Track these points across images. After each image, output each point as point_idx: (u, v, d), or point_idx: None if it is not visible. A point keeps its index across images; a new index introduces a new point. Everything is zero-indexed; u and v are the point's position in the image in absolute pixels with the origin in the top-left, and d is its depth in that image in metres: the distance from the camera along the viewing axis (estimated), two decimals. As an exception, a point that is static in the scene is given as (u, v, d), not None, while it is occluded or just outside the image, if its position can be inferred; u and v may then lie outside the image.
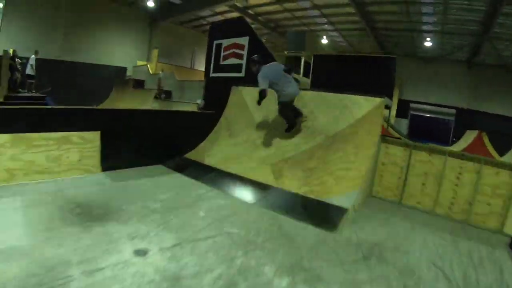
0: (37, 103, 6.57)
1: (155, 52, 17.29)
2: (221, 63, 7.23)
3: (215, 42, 7.42)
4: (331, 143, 4.64)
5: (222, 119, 6.48)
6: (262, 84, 4.48)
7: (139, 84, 15.31)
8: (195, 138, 6.17)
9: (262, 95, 4.48)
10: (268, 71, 4.63)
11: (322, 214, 3.55)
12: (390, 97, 6.60)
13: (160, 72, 14.47)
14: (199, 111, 6.80)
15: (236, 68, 6.76)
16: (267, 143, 5.29)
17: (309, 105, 5.12)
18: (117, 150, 4.95)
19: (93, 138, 4.77)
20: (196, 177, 4.73)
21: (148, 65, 16.51)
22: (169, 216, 3.26)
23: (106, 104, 14.17)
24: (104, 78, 15.65)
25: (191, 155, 5.86)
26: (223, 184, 4.42)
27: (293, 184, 4.16)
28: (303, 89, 5.31)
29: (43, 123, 4.36)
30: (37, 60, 10.31)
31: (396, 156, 4.56)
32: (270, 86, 4.61)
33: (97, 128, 4.78)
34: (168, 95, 14.05)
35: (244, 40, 6.70)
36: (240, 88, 6.30)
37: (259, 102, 4.57)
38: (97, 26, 16.33)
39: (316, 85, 6.31)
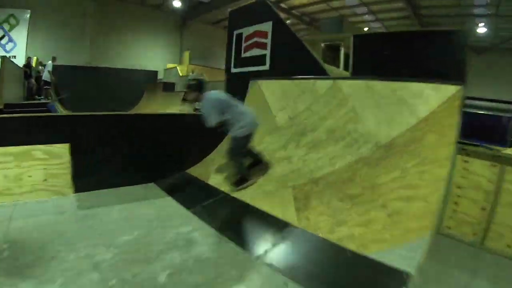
0: (36, 111, 5.95)
1: (186, 54, 16.95)
2: (243, 55, 6.15)
3: (235, 32, 6.39)
4: (382, 156, 3.16)
5: None
6: (212, 117, 3.52)
7: (169, 87, 14.91)
8: (203, 148, 5.06)
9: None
10: (214, 98, 3.62)
11: (366, 284, 2.12)
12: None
13: (190, 74, 13.93)
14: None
15: (259, 60, 5.64)
16: (291, 155, 3.96)
17: (349, 100, 3.65)
18: (94, 166, 4.14)
19: (61, 152, 3.92)
20: (189, 203, 3.61)
21: (178, 67, 16.11)
22: (111, 279, 2.11)
23: (137, 109, 13.97)
24: (135, 82, 15.56)
25: (195, 170, 4.78)
26: (221, 218, 3.23)
27: (323, 222, 2.78)
28: (343, 78, 3.89)
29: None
30: (54, 66, 10.19)
31: (479, 175, 3.10)
32: (221, 118, 3.60)
33: (66, 140, 3.95)
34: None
35: (266, 26, 5.59)
36: (260, 81, 5.07)
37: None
38: (126, 30, 16.50)
39: (359, 72, 4.80)
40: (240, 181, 3.75)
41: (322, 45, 9.78)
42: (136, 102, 14.38)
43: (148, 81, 15.95)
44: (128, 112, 5.76)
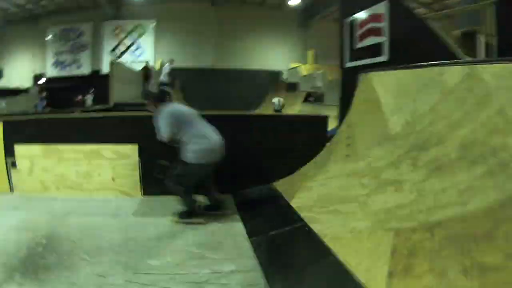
0: (139, 109, 6.63)
1: (310, 53, 16.69)
2: (357, 46, 5.31)
3: (347, 20, 5.60)
4: None
5: (342, 128, 4.45)
6: (165, 130, 3.21)
7: (292, 87, 15.22)
8: (300, 157, 4.40)
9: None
10: (172, 110, 3.33)
11: None
12: None
13: (312, 73, 13.67)
14: (295, 114, 4.96)
15: (375, 49, 4.70)
16: (402, 179, 2.87)
17: (495, 96, 2.33)
18: (165, 169, 4.00)
19: (130, 152, 4.04)
20: (255, 228, 3.13)
21: (302, 67, 16.05)
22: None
23: (261, 109, 14.60)
24: (259, 83, 16.38)
25: (281, 184, 4.20)
26: (283, 259, 2.53)
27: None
28: (486, 61, 2.62)
29: (75, 134, 4.16)
30: (171, 68, 11.56)
31: None
32: (174, 134, 3.25)
33: (135, 140, 4.03)
34: (319, 97, 13.03)
35: (381, 7, 4.62)
36: (371, 74, 4.11)
37: (162, 171, 3.38)
38: (248, 32, 17.42)
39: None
40: (186, 214, 3.35)
41: (455, 33, 7.66)
42: (260, 103, 15.29)
43: (272, 81, 16.72)
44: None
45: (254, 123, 4.61)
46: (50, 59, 14.91)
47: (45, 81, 12.56)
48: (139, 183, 4.01)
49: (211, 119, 4.78)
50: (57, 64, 14.91)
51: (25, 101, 11.01)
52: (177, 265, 2.45)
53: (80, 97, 11.80)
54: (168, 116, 3.21)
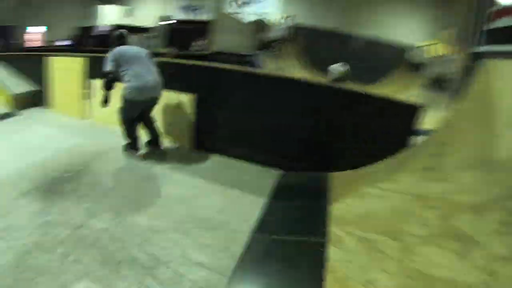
0: (236, 61, 6.53)
1: (447, 33, 13.80)
2: (490, 27, 4.06)
3: None
4: None
5: (437, 128, 3.29)
6: (108, 65, 3.46)
7: (417, 67, 13.24)
8: (371, 149, 3.53)
9: (106, 82, 3.47)
10: (119, 50, 3.52)
11: None
12: None
13: (444, 56, 11.40)
14: (377, 94, 3.75)
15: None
16: (481, 240, 1.85)
17: None
18: (217, 127, 3.86)
19: (186, 101, 3.88)
20: (266, 225, 2.56)
21: (432, 46, 13.48)
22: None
23: (379, 87, 13.30)
24: (384, 56, 14.82)
25: (337, 178, 3.46)
26: (258, 279, 1.99)
27: None
28: None
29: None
30: (293, 24, 11.17)
31: None
32: (117, 72, 3.48)
33: (192, 90, 3.86)
34: (445, 85, 10.74)
35: None
36: (495, 63, 2.84)
37: (104, 100, 3.54)
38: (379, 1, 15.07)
39: None
40: (130, 147, 3.72)
41: None
42: (380, 78, 13.98)
43: (398, 57, 14.77)
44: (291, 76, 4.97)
45: (327, 95, 3.71)
46: (179, 3, 15.83)
47: (171, 23, 13.57)
48: (190, 135, 3.87)
49: (288, 82, 4.02)
50: (185, 8, 15.81)
51: (153, 41, 12.03)
52: (157, 232, 2.22)
53: (198, 41, 12.47)
54: (113, 54, 3.48)
